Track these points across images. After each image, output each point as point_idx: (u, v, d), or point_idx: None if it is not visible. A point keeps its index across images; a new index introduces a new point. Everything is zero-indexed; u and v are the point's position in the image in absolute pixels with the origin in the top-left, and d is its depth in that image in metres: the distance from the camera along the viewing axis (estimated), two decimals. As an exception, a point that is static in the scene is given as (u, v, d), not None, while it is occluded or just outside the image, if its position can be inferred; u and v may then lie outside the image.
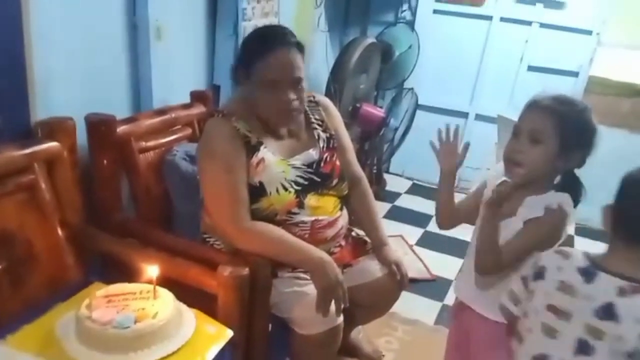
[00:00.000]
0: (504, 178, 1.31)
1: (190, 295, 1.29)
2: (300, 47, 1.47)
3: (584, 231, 3.18)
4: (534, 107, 1.22)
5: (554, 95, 1.22)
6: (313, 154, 1.57)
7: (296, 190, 1.50)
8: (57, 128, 1.40)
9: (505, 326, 1.24)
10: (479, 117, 3.78)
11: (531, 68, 3.59)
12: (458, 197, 1.44)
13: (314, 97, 1.66)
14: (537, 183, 1.23)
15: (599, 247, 1.07)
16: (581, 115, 1.20)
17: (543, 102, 1.21)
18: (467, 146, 1.35)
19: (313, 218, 1.52)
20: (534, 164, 1.21)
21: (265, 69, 1.43)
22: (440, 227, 1.46)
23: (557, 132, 1.18)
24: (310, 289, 1.42)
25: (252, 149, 1.47)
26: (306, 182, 1.53)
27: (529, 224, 1.21)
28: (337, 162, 1.62)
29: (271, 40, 1.44)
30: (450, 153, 1.35)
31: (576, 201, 1.24)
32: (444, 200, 1.41)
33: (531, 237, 1.21)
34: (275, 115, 1.49)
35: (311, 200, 1.52)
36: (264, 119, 1.50)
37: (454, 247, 2.69)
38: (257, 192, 1.47)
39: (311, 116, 1.62)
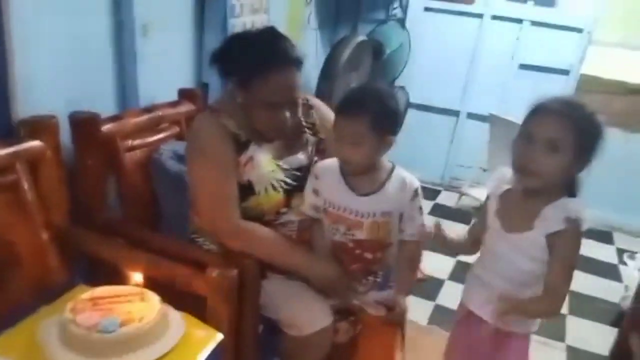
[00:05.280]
0: (508, 186, 1.28)
1: (178, 297, 1.26)
2: (300, 63, 1.41)
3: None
4: (545, 112, 1.15)
5: (561, 99, 1.16)
6: (302, 158, 1.54)
7: (285, 190, 1.48)
8: (40, 127, 1.36)
9: None
10: (471, 116, 3.79)
11: (522, 66, 3.60)
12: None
13: (307, 100, 1.61)
14: (550, 190, 1.18)
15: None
16: (593, 120, 1.14)
17: (554, 107, 1.14)
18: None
19: (301, 218, 1.49)
20: (551, 173, 1.14)
21: (266, 90, 1.37)
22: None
23: (575, 140, 1.11)
24: (300, 289, 1.41)
25: (241, 146, 1.44)
26: (295, 183, 1.50)
27: (557, 243, 1.16)
28: None
29: (273, 58, 1.37)
30: None
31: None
32: (459, 248, 1.46)
33: (570, 256, 1.18)
34: (271, 131, 1.46)
35: (299, 201, 1.49)
36: (257, 129, 1.47)
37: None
38: (246, 190, 1.44)
39: (302, 120, 1.58)
